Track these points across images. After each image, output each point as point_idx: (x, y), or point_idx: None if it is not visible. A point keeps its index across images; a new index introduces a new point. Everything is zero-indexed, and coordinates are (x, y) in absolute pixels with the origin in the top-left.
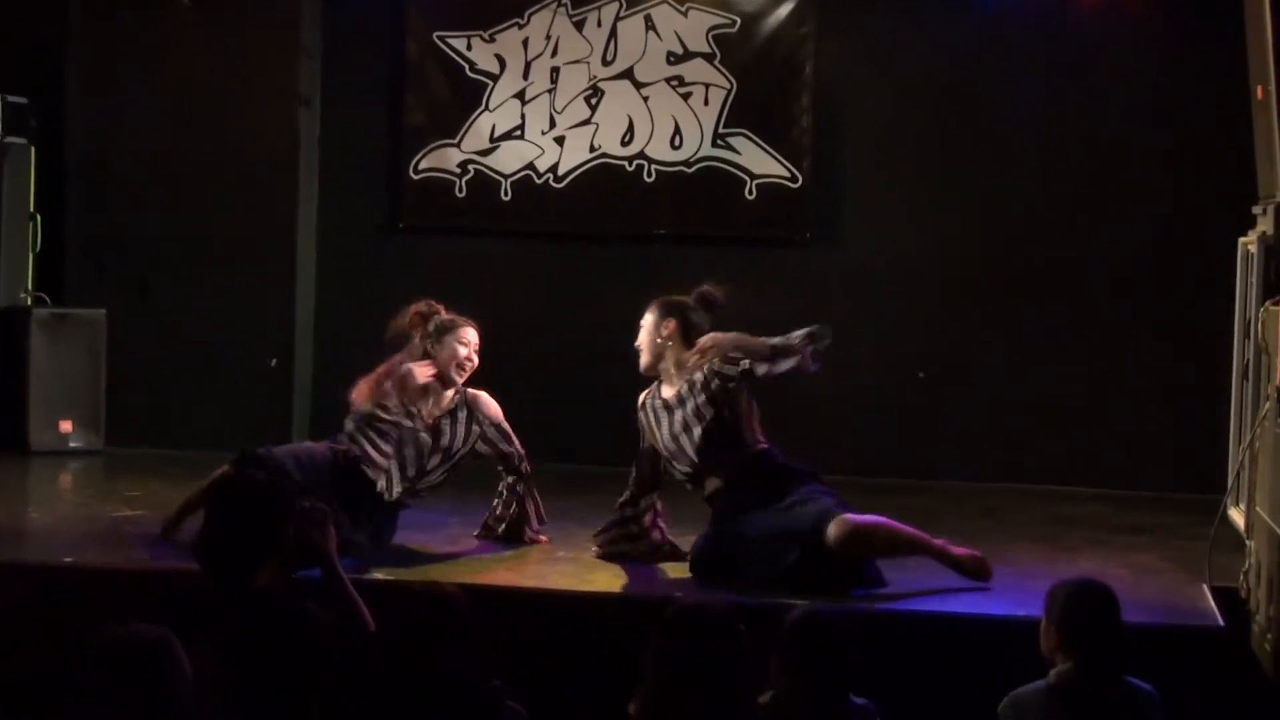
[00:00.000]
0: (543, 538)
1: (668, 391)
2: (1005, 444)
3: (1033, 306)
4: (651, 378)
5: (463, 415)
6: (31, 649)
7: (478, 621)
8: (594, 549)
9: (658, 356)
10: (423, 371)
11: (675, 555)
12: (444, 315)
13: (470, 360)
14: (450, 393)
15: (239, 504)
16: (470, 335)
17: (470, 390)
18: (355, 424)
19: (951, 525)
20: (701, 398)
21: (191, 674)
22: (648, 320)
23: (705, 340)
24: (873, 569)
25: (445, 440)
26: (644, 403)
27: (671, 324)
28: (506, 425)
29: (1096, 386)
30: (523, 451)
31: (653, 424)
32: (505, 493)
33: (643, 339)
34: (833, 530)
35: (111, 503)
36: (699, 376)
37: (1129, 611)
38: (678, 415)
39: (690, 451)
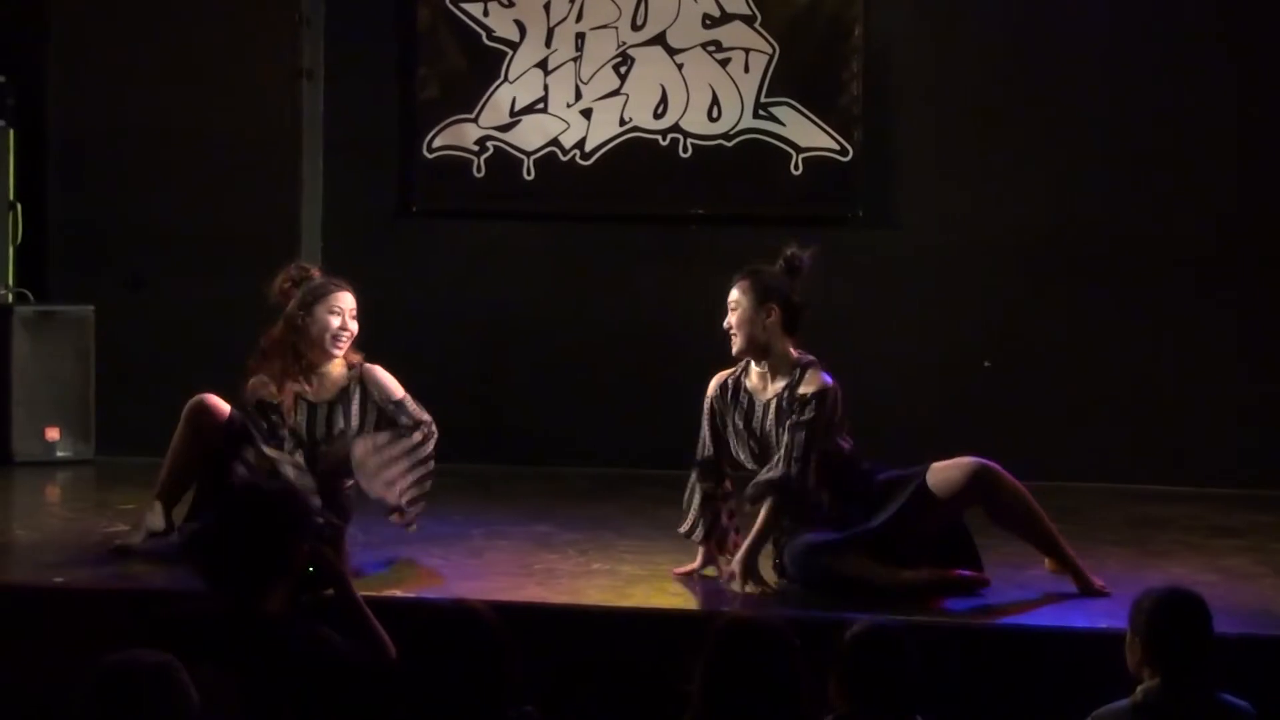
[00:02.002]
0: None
1: (757, 382)
2: (1082, 439)
3: (1108, 287)
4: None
5: (356, 395)
6: (22, 679)
7: (509, 642)
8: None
9: (758, 346)
10: (260, 386)
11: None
12: (315, 280)
13: (345, 329)
14: (339, 368)
15: (250, 519)
16: (343, 301)
17: (366, 365)
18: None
19: None
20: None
21: (198, 704)
22: (744, 301)
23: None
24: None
25: (340, 425)
26: (720, 391)
27: (775, 311)
28: (410, 401)
29: (1182, 374)
30: (431, 425)
31: (735, 415)
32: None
33: (738, 320)
34: (950, 472)
35: (104, 517)
36: (806, 393)
37: (1222, 621)
38: (769, 421)
39: (778, 461)
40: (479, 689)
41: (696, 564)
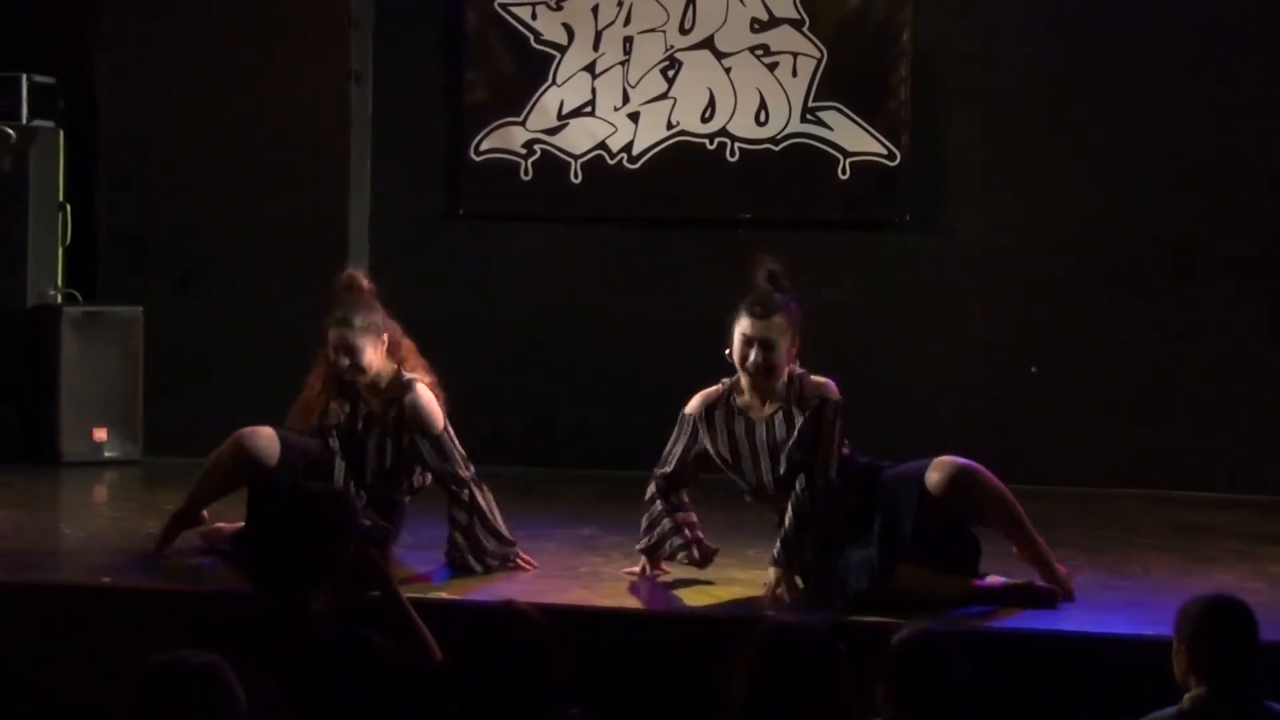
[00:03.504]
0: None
1: (750, 399)
2: (1129, 445)
3: (1157, 293)
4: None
5: (392, 416)
6: (69, 679)
7: (555, 643)
8: (650, 571)
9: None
10: (304, 413)
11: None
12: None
13: (345, 361)
14: (389, 380)
15: (296, 518)
16: (332, 340)
17: (414, 390)
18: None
19: (1071, 535)
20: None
21: (244, 705)
22: (781, 341)
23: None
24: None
25: (382, 451)
26: (707, 413)
27: (798, 341)
28: (449, 443)
29: (1229, 381)
30: (468, 474)
31: (724, 437)
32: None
33: (780, 360)
34: (934, 474)
35: (151, 517)
36: (825, 400)
37: (1269, 629)
38: (768, 442)
39: (773, 479)
40: (525, 690)
41: (646, 569)
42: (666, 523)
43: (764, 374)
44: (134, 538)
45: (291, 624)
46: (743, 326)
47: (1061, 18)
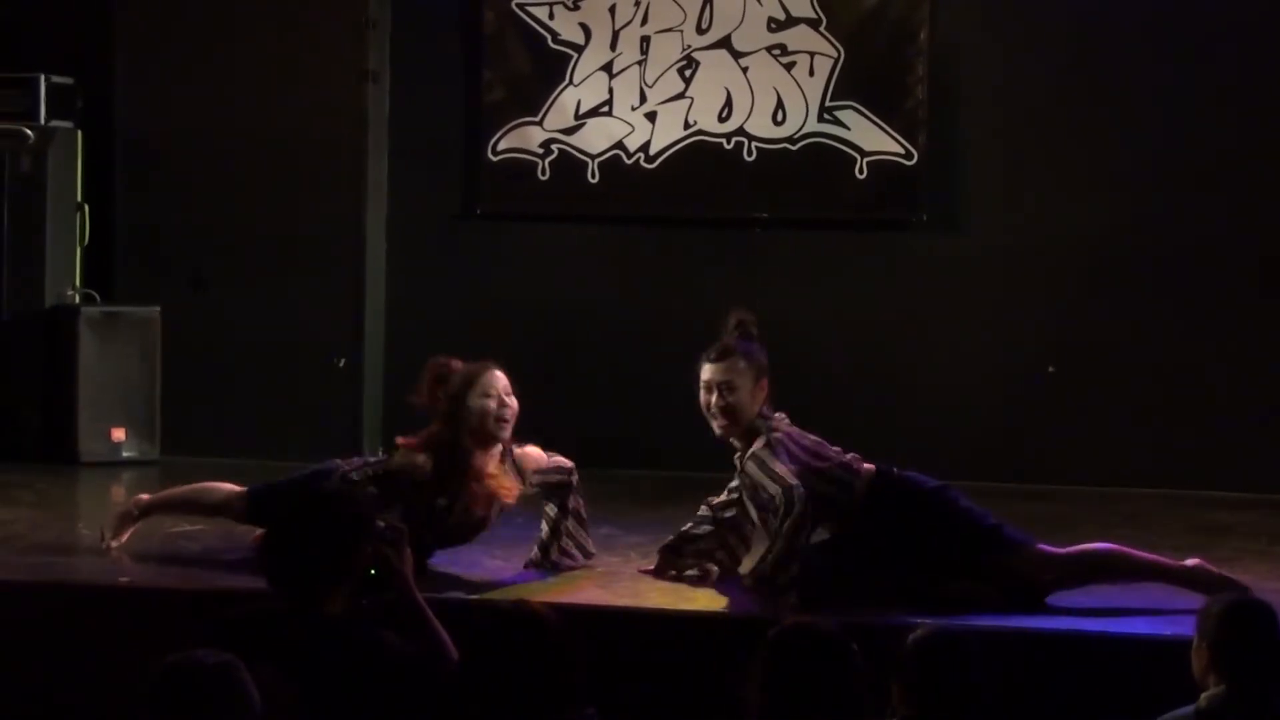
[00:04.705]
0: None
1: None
2: (1147, 445)
3: (1174, 293)
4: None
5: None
6: (86, 677)
7: (570, 644)
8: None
9: (749, 427)
10: (416, 469)
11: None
12: (458, 371)
13: (505, 407)
14: (497, 454)
15: (312, 519)
16: (494, 381)
17: (516, 450)
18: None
19: (1088, 535)
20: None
21: (259, 704)
22: (741, 382)
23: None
24: None
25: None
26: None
27: (766, 385)
28: (546, 459)
29: (1248, 380)
30: (571, 478)
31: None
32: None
33: (738, 402)
34: (1031, 568)
35: (169, 518)
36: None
37: None
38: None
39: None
40: (540, 690)
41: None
42: (705, 528)
43: (725, 417)
44: (152, 538)
45: (307, 624)
46: (702, 373)
47: (1078, 17)
